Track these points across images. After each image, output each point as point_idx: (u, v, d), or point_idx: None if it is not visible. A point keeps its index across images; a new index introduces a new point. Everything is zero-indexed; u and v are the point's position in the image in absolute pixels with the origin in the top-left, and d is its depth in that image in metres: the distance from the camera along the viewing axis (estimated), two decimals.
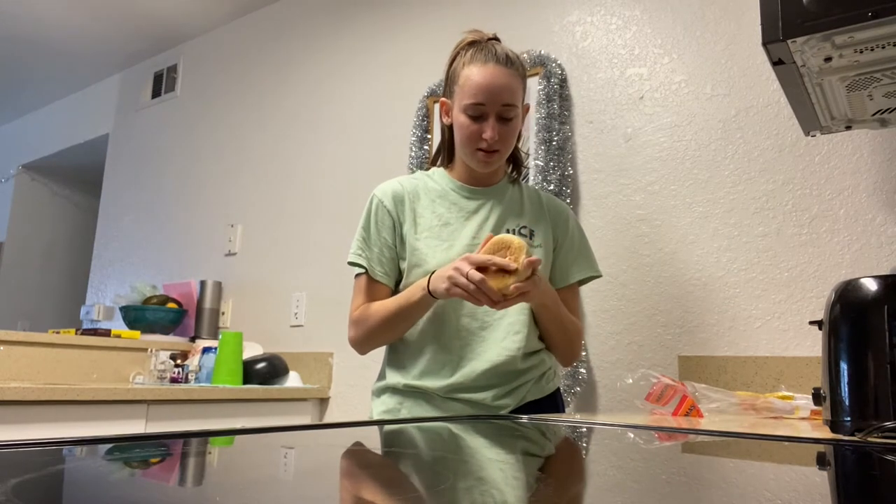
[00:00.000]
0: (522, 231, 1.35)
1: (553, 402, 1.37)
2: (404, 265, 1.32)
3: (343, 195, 2.57)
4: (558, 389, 1.41)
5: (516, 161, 1.43)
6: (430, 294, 1.20)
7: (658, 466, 0.60)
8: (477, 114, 1.25)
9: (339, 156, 2.62)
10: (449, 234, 1.31)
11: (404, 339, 1.33)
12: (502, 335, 1.28)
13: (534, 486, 0.48)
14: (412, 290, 1.25)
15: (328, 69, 2.75)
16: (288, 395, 2.30)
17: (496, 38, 1.32)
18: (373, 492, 0.45)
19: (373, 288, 1.33)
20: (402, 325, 1.29)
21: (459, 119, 1.27)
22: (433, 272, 1.23)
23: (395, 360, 1.35)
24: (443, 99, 1.35)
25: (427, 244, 1.30)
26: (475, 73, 1.25)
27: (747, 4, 1.73)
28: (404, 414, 1.30)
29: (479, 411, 1.26)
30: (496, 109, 1.25)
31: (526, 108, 1.34)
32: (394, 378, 1.33)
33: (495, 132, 1.25)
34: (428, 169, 1.44)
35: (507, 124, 1.27)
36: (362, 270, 1.33)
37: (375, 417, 1.34)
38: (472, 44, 1.30)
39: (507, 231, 1.34)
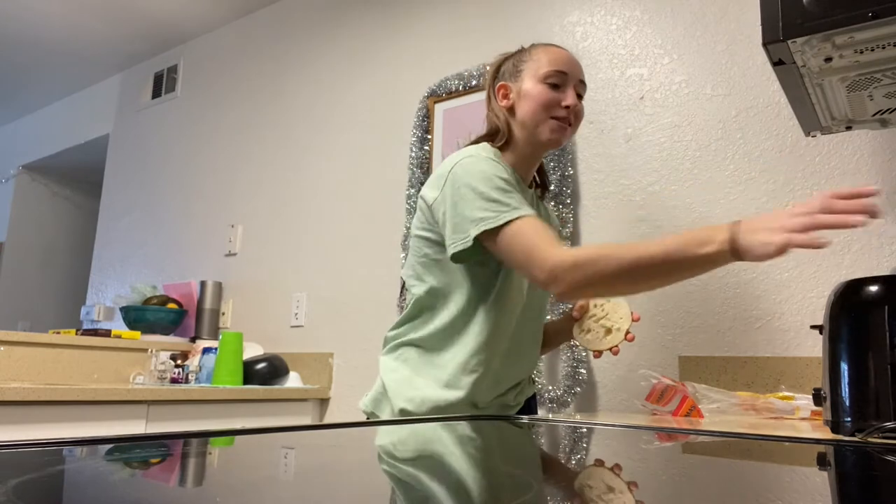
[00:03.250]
0: None
1: (531, 403, 1.44)
2: None
3: (343, 195, 2.56)
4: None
5: (543, 181, 1.41)
6: (734, 253, 0.93)
7: (658, 467, 0.60)
8: (558, 82, 1.24)
9: (339, 156, 2.62)
10: None
11: (460, 350, 1.19)
12: (533, 348, 1.33)
13: (534, 486, 0.48)
14: (700, 238, 0.96)
15: (328, 69, 2.75)
16: (288, 395, 2.30)
17: None
18: (373, 492, 0.45)
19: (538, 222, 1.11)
20: (663, 278, 1.04)
21: (536, 89, 1.24)
22: (737, 223, 0.95)
23: (438, 374, 1.20)
24: (502, 83, 1.29)
25: None
26: (553, 51, 1.27)
27: (747, 4, 1.73)
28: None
29: (499, 411, 1.27)
30: (575, 83, 1.26)
31: None
32: (435, 393, 1.18)
33: (575, 100, 1.25)
34: (475, 143, 1.27)
35: (580, 102, 1.28)
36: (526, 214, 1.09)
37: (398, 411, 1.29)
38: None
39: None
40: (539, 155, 1.30)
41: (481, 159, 1.16)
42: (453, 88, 2.25)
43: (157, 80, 3.55)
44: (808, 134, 1.34)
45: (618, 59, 1.95)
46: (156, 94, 3.54)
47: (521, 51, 1.32)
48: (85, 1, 3.10)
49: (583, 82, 1.28)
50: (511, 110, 1.27)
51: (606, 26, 1.99)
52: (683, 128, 1.79)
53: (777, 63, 1.02)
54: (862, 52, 0.98)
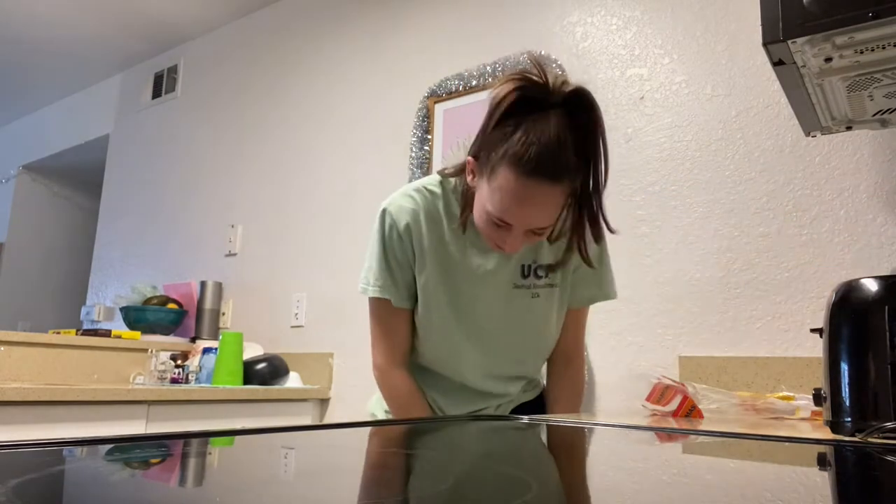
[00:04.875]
0: (538, 272, 1.21)
1: (541, 402, 1.35)
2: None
3: (343, 195, 2.57)
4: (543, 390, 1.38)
5: None
6: None
7: (658, 467, 0.60)
8: (499, 223, 1.05)
9: (340, 156, 2.62)
10: (456, 273, 1.19)
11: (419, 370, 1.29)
12: (509, 386, 1.28)
13: (533, 486, 0.48)
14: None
15: (328, 70, 2.75)
16: (288, 395, 2.30)
17: (565, 84, 1.03)
18: (373, 492, 0.45)
19: (396, 318, 1.22)
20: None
21: (481, 211, 1.06)
22: None
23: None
24: (470, 158, 1.08)
25: (436, 286, 1.19)
26: (511, 183, 0.99)
27: (747, 4, 1.73)
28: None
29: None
30: (524, 229, 1.05)
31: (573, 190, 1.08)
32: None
33: (517, 246, 1.07)
34: (446, 174, 1.20)
35: (533, 236, 1.07)
36: (386, 299, 1.20)
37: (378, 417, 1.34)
38: (527, 106, 0.99)
39: (523, 267, 1.20)
40: None
41: (389, 216, 1.18)
42: (453, 88, 2.25)
43: (157, 80, 3.55)
44: (808, 134, 1.34)
45: (618, 59, 1.95)
46: (156, 94, 3.54)
47: (501, 122, 1.01)
48: (85, 1, 3.10)
49: (539, 228, 1.05)
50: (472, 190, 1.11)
51: (606, 26, 1.99)
52: (684, 128, 1.79)
53: (777, 63, 1.02)
54: (862, 53, 0.97)
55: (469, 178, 1.11)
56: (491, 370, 1.25)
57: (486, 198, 1.04)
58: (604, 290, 1.27)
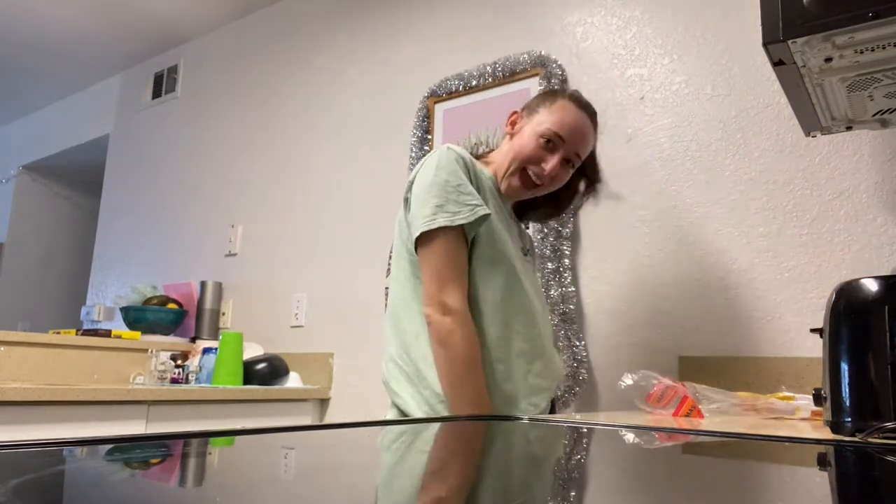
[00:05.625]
0: (528, 254, 1.39)
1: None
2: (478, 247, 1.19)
3: (343, 196, 2.57)
4: None
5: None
6: None
7: (658, 467, 0.60)
8: (550, 141, 1.26)
9: (340, 156, 2.62)
10: (503, 231, 1.27)
11: (499, 357, 1.19)
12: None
13: (534, 486, 0.48)
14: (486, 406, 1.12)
15: (328, 70, 2.75)
16: (288, 395, 2.30)
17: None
18: (373, 493, 0.45)
19: (464, 256, 1.15)
20: (451, 402, 1.12)
21: (529, 136, 1.27)
22: None
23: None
24: (517, 112, 1.35)
25: (500, 231, 1.24)
26: (570, 110, 1.28)
27: (747, 4, 1.73)
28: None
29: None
30: (568, 152, 1.28)
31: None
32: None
33: (556, 168, 1.26)
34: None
35: (565, 170, 1.30)
36: (463, 222, 1.12)
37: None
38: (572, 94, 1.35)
39: (524, 250, 1.37)
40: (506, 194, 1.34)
41: (453, 151, 1.21)
42: (453, 88, 2.25)
43: (157, 80, 3.55)
44: (808, 134, 1.34)
45: (618, 59, 1.95)
46: (156, 94, 3.54)
47: (554, 93, 1.36)
48: (85, 1, 3.10)
49: (577, 155, 1.30)
50: (510, 137, 1.34)
51: (606, 26, 1.99)
52: (684, 128, 1.79)
53: (777, 63, 1.02)
54: (862, 53, 0.97)
55: (508, 128, 1.34)
56: (545, 347, 1.28)
57: (541, 121, 1.27)
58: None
